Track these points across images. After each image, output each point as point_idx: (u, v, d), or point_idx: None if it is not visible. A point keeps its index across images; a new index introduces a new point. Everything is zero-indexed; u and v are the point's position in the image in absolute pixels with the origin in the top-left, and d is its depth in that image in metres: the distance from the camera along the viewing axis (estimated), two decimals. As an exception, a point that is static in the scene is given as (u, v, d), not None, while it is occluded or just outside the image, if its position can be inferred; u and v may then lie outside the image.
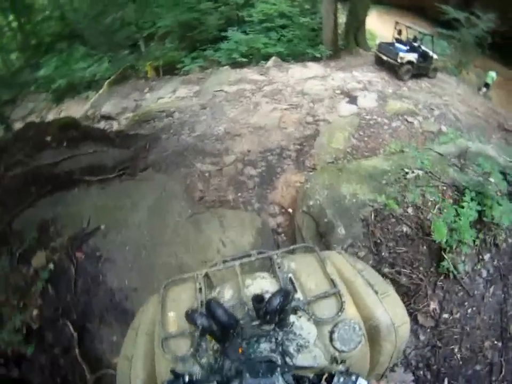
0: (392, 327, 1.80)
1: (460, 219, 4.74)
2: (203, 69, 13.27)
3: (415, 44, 12.82)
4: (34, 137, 7.84)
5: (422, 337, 4.50)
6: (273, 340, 1.44)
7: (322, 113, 9.55)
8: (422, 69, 12.91)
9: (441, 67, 14.08)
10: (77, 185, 6.53)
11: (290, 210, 6.45)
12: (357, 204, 5.27)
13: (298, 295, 1.80)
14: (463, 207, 4.87)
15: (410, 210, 5.22)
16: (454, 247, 4.70)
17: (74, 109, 14.80)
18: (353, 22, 14.98)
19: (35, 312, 4.82)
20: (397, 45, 12.98)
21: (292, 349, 1.52)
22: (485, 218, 4.88)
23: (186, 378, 1.32)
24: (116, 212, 6.05)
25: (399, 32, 13.44)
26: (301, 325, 1.65)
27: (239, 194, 6.76)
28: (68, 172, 6.75)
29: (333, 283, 1.85)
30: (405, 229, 5.03)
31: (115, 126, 11.51)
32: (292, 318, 1.67)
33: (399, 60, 12.17)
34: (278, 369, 1.25)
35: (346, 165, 6.27)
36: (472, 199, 4.93)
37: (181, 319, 1.72)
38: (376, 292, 1.93)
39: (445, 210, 4.96)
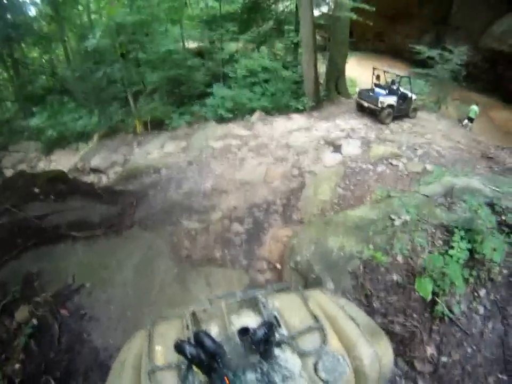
0: (376, 356, 1.83)
1: (450, 262, 4.61)
2: (190, 124, 13.44)
3: (394, 87, 13.09)
4: (23, 187, 7.76)
5: (421, 384, 4.27)
6: (259, 370, 1.46)
7: (308, 164, 9.56)
8: (402, 110, 13.12)
9: (421, 105, 14.33)
10: (63, 241, 6.45)
11: (278, 265, 6.29)
12: (344, 257, 5.16)
13: (283, 330, 1.84)
14: (453, 248, 4.74)
15: (399, 258, 5.09)
16: (447, 290, 4.54)
17: (65, 159, 14.98)
18: (333, 71, 15.44)
19: (17, 366, 4.65)
20: (376, 90, 13.28)
21: (277, 379, 1.52)
22: (476, 256, 4.75)
23: None
24: (101, 270, 5.93)
25: (377, 77, 13.78)
26: (285, 357, 1.68)
27: (226, 251, 6.63)
28: (54, 226, 6.66)
29: (315, 318, 1.92)
30: (395, 277, 4.91)
31: (104, 179, 11.52)
32: (277, 351, 1.70)
33: (379, 105, 12.38)
34: None
35: (333, 218, 6.15)
36: (462, 238, 4.82)
37: (168, 353, 1.78)
38: (358, 325, 1.98)
39: (432, 259, 4.76)
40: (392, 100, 12.59)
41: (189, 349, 1.52)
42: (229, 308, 2.08)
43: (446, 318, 4.47)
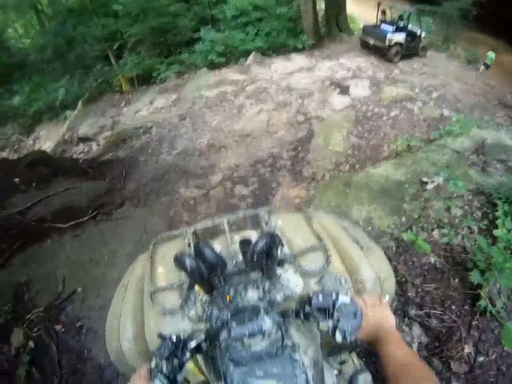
0: (378, 280, 1.75)
1: (496, 244, 3.69)
2: (180, 75, 11.89)
3: (401, 24, 11.48)
4: (3, 180, 6.51)
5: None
6: (261, 287, 1.32)
7: (314, 109, 8.26)
8: (411, 48, 11.65)
9: (429, 44, 12.71)
10: (49, 235, 5.38)
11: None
12: (373, 232, 4.13)
13: (285, 249, 1.72)
14: (496, 227, 3.90)
15: (435, 233, 4.12)
16: (491, 280, 3.60)
17: (54, 132, 13.22)
18: (333, 6, 13.49)
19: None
20: (383, 26, 11.62)
21: (279, 298, 1.42)
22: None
23: (174, 339, 1.18)
24: (92, 268, 4.87)
25: (383, 13, 12.09)
26: (287, 277, 1.60)
27: (231, 221, 5.45)
28: (39, 219, 5.57)
29: (319, 238, 1.81)
30: (432, 259, 3.93)
31: (94, 147, 10.12)
32: (279, 270, 1.60)
33: (387, 42, 10.86)
34: (262, 310, 1.16)
35: (352, 177, 5.02)
36: (506, 213, 3.95)
37: (170, 274, 1.74)
38: (362, 248, 1.91)
39: (478, 241, 3.80)
40: (400, 37, 11.09)
41: (188, 261, 1.35)
42: (231, 226, 1.96)
43: (488, 313, 3.56)
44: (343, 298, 1.19)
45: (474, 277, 3.51)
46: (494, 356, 3.56)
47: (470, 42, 15.90)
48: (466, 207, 4.36)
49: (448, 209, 4.29)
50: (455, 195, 4.43)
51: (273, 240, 1.41)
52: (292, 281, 1.59)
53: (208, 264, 1.39)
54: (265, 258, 1.39)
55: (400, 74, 10.47)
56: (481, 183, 4.58)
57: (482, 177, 4.71)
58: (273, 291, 1.42)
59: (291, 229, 1.90)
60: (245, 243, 1.58)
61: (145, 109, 10.43)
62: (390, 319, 1.19)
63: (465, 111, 8.84)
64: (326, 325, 1.15)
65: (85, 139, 10.83)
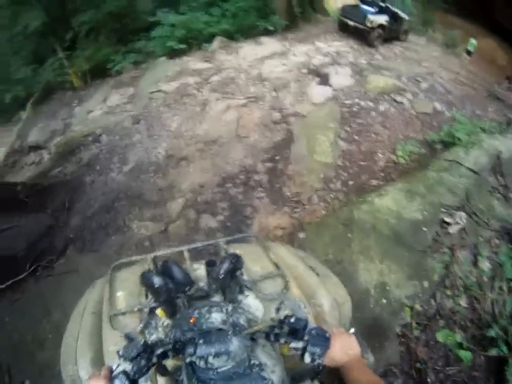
0: (335, 304, 1.74)
1: None
2: (137, 65, 9.98)
3: (383, 5, 9.90)
4: None
5: None
6: (224, 310, 1.27)
7: (291, 103, 6.72)
8: (393, 32, 10.19)
9: (410, 28, 11.34)
10: None
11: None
12: (389, 307, 3.02)
13: (244, 276, 1.68)
14: None
15: (463, 300, 3.18)
16: None
17: (1, 141, 11.24)
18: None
19: None
20: (363, 6, 10.01)
21: (242, 321, 1.29)
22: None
23: (142, 341, 1.11)
24: (37, 351, 3.45)
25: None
26: (248, 302, 1.57)
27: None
28: None
29: (276, 266, 1.81)
30: (458, 336, 2.94)
31: (45, 157, 8.24)
32: (240, 296, 1.57)
33: (368, 24, 9.30)
34: (230, 332, 1.15)
35: (354, 212, 3.73)
36: None
37: (130, 298, 1.69)
38: (318, 274, 1.88)
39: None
40: (383, 19, 9.58)
41: (156, 279, 1.35)
42: (191, 255, 1.87)
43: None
44: (313, 324, 1.23)
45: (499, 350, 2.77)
46: None
47: (447, 26, 14.32)
48: (493, 255, 3.42)
49: (475, 262, 3.34)
50: (481, 239, 3.50)
51: (238, 261, 1.46)
52: (252, 306, 1.55)
53: (175, 282, 1.38)
54: (229, 278, 1.41)
55: (383, 61, 9.02)
56: (506, 219, 3.65)
57: (506, 209, 3.80)
58: (235, 314, 1.30)
59: (249, 258, 1.81)
60: (210, 263, 1.50)
61: (98, 107, 8.53)
62: (355, 347, 1.18)
63: (456, 104, 7.69)
64: (296, 346, 1.14)
65: (35, 147, 8.90)
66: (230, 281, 1.42)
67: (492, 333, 2.89)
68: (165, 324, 1.46)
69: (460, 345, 2.84)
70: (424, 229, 3.49)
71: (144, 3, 11.75)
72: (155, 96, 7.54)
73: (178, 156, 5.54)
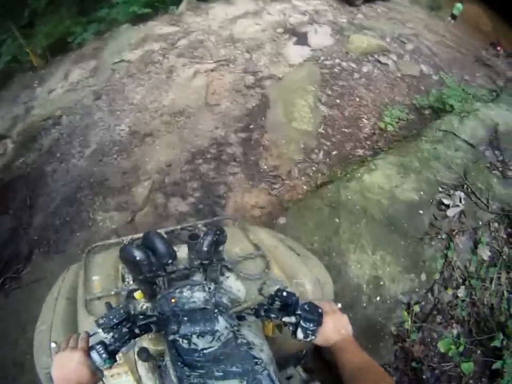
0: (317, 283, 1.68)
1: None
2: (100, 35, 9.07)
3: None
4: None
5: None
6: (206, 289, 1.23)
7: (266, 65, 6.07)
8: (376, -10, 9.32)
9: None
10: None
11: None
12: (384, 305, 2.67)
13: (224, 257, 1.51)
14: None
15: (461, 291, 2.85)
16: None
17: None
18: None
19: None
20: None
21: (225, 300, 1.28)
22: None
23: (122, 311, 1.00)
24: (18, 374, 2.97)
25: None
26: (229, 284, 1.53)
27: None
28: None
29: (257, 247, 1.76)
30: (455, 331, 2.73)
31: (9, 146, 7.61)
32: (221, 278, 1.49)
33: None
34: (216, 311, 1.10)
35: (341, 192, 3.21)
36: None
37: (107, 282, 1.61)
38: (298, 254, 1.83)
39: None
40: None
41: (137, 251, 1.20)
42: (169, 236, 1.79)
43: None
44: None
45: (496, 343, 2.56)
46: None
47: None
48: (493, 242, 3.06)
49: (474, 249, 3.00)
50: (480, 223, 3.12)
51: (222, 233, 1.35)
52: (234, 287, 1.51)
53: (157, 255, 1.27)
54: (212, 253, 1.32)
55: (366, 20, 8.33)
56: (506, 200, 3.25)
57: (505, 188, 3.37)
58: (218, 294, 1.26)
59: (229, 240, 1.54)
60: (193, 237, 1.37)
61: (59, 86, 7.74)
62: (348, 327, 1.13)
63: (444, 67, 7.21)
64: (289, 321, 1.09)
65: (-1, 137, 8.23)
66: (212, 257, 1.32)
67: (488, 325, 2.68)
68: (144, 307, 1.37)
69: (461, 354, 2.54)
70: (421, 211, 3.06)
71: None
72: (118, 67, 6.81)
73: (143, 132, 4.94)
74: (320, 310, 1.10)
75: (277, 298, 1.11)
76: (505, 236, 3.10)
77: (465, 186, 3.29)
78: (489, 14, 13.68)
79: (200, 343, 1.01)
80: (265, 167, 4.18)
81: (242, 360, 1.00)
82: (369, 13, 8.89)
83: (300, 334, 1.07)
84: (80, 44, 9.09)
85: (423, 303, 2.77)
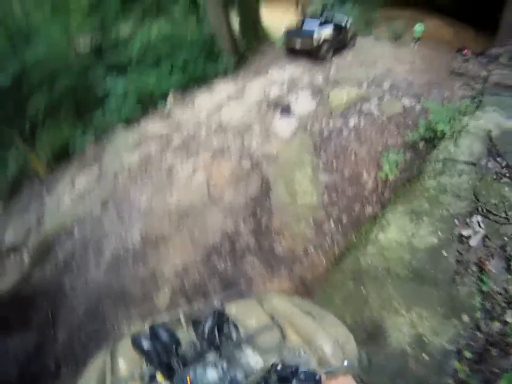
0: (337, 344, 1.62)
1: None
2: (98, 140, 9.53)
3: (325, 17, 9.69)
4: None
5: None
6: (220, 367, 1.26)
7: (259, 145, 6.31)
8: (341, 41, 9.98)
9: (355, 32, 11.18)
10: None
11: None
12: (433, 360, 2.48)
13: (241, 331, 1.60)
14: None
15: (509, 316, 2.66)
16: None
17: None
18: (247, 19, 11.59)
19: None
20: (306, 25, 9.62)
21: (239, 376, 1.28)
22: None
23: None
24: None
25: (302, 8, 10.31)
26: (246, 357, 1.48)
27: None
28: None
29: (271, 317, 1.77)
30: None
31: (26, 259, 7.64)
32: (238, 353, 1.49)
33: (315, 43, 9.05)
34: None
35: (359, 259, 3.17)
36: None
37: (131, 365, 1.63)
38: (314, 317, 1.79)
39: None
40: (328, 32, 9.33)
41: (144, 341, 1.37)
42: (186, 317, 1.81)
43: None
44: (303, 368, 1.20)
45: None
46: None
47: (389, 19, 14.29)
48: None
49: (508, 267, 2.88)
50: (506, 238, 3.00)
51: (220, 315, 1.44)
52: (251, 361, 1.48)
53: (163, 344, 1.36)
54: (217, 334, 1.39)
55: (339, 72, 8.74)
56: None
57: None
58: (232, 369, 1.28)
59: (244, 313, 1.78)
60: (195, 323, 1.51)
61: (67, 194, 8.05)
62: None
63: (424, 93, 7.34)
64: None
65: (13, 249, 8.34)
66: (220, 337, 1.38)
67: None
68: None
69: None
70: (444, 253, 2.98)
71: (95, 76, 11.37)
72: (119, 171, 7.10)
73: (154, 237, 5.02)
74: (317, 377, 1.13)
75: (272, 371, 1.18)
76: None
77: (479, 208, 3.22)
78: (448, 22, 14.13)
79: None
80: (281, 250, 4.20)
81: None
82: (340, 63, 9.36)
83: None
84: (80, 151, 9.52)
85: (473, 343, 2.58)
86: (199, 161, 6.21)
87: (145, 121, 8.78)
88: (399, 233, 3.29)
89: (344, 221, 4.48)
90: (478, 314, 2.69)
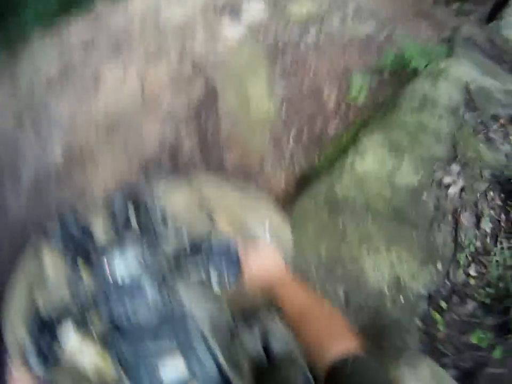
0: (271, 227, 1.50)
1: None
2: (10, 46, 8.02)
3: None
4: None
5: None
6: (139, 245, 1.17)
7: (204, 50, 5.44)
8: None
9: None
10: None
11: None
12: (408, 303, 2.47)
13: (166, 210, 1.46)
14: None
15: (472, 269, 2.70)
16: None
17: None
18: None
19: None
20: None
21: (160, 252, 1.23)
22: None
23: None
24: None
25: None
26: (170, 234, 1.40)
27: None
28: None
29: (201, 205, 1.61)
30: (470, 306, 2.62)
31: None
32: (161, 230, 1.36)
33: None
34: (146, 281, 1.07)
35: (336, 189, 2.85)
36: None
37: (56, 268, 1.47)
38: (247, 197, 1.73)
39: None
40: None
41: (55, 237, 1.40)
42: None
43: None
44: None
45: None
46: None
47: None
48: (491, 211, 2.90)
49: (478, 223, 2.83)
50: (478, 194, 2.98)
51: (134, 192, 1.37)
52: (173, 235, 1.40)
53: (76, 235, 1.31)
54: (133, 211, 1.31)
55: None
56: (494, 164, 3.05)
57: (492, 152, 3.13)
58: (153, 248, 1.20)
59: (170, 192, 1.68)
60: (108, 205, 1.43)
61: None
62: (277, 261, 0.99)
63: (388, 26, 6.53)
64: (199, 273, 1.03)
65: None
66: (139, 217, 1.29)
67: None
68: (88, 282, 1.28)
69: (493, 347, 2.35)
70: (424, 197, 2.82)
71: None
72: (36, 82, 5.94)
73: (80, 153, 4.24)
74: (232, 242, 1.03)
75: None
76: (500, 203, 2.93)
77: (457, 158, 3.06)
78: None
79: (133, 316, 0.99)
80: (231, 166, 3.67)
81: (177, 329, 0.96)
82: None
83: (213, 277, 1.01)
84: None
85: (442, 291, 2.56)
86: (131, 67, 5.24)
87: (69, 26, 7.34)
88: (378, 166, 3.04)
89: (305, 138, 4.03)
90: (449, 264, 2.68)
